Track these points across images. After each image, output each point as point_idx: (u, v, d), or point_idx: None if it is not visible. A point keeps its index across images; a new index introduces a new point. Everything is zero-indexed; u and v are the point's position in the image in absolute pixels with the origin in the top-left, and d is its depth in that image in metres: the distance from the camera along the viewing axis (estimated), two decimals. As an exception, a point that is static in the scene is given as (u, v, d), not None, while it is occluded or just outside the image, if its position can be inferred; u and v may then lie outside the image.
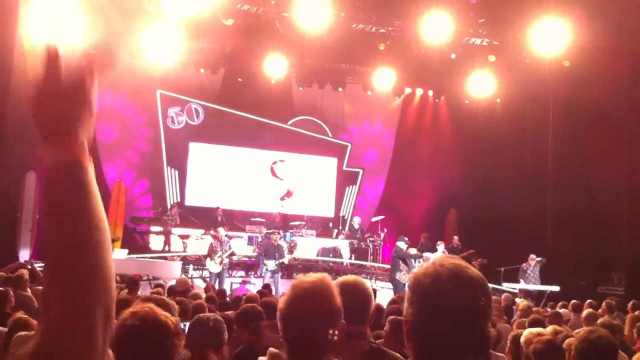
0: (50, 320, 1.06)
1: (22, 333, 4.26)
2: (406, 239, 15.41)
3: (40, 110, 1.15)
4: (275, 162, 20.49)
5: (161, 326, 2.31)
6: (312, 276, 2.25)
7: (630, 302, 10.27)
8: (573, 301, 9.91)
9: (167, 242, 16.93)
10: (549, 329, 5.29)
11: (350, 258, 17.86)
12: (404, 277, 14.12)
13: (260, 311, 5.07)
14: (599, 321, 6.23)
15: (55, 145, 1.12)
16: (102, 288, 1.08)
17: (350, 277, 3.14)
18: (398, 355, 3.02)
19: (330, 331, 2.14)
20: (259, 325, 4.85)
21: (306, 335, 2.11)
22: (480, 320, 1.59)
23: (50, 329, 1.05)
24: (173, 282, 12.19)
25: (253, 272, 16.23)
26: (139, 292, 9.03)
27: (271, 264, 14.79)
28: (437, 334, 1.57)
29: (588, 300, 10.27)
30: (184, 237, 16.98)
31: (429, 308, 1.59)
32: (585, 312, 8.12)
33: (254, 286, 14.39)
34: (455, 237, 17.99)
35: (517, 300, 11.18)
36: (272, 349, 2.25)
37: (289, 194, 20.01)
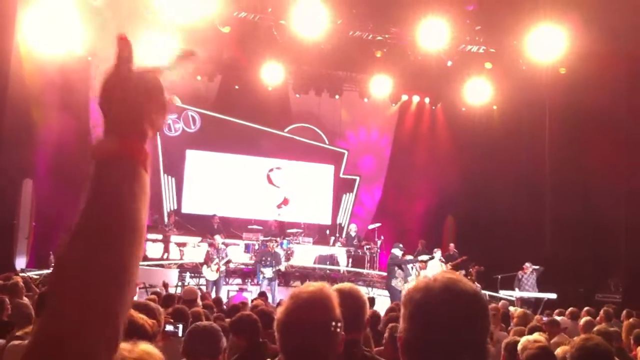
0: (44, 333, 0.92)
1: (16, 342, 4.22)
2: (401, 245, 15.41)
3: (108, 99, 1.12)
4: (271, 170, 20.47)
5: (137, 328, 2.31)
6: (312, 285, 2.19)
7: (624, 311, 10.26)
8: (570, 309, 9.90)
9: (165, 249, 16.88)
10: (536, 334, 5.27)
11: (347, 265, 17.83)
12: (399, 284, 14.12)
13: (256, 319, 5.05)
14: (595, 329, 6.22)
15: (117, 138, 1.05)
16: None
17: (345, 285, 3.13)
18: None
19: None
20: (256, 333, 4.83)
21: (306, 346, 2.05)
22: (474, 334, 1.56)
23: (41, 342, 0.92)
24: (170, 290, 12.18)
25: (250, 280, 16.20)
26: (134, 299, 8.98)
27: (268, 272, 14.77)
28: (430, 349, 1.54)
29: (586, 308, 10.24)
30: (180, 244, 16.94)
31: (421, 323, 1.57)
32: (583, 320, 8.10)
33: (251, 294, 14.35)
34: (452, 245, 17.97)
35: (511, 308, 11.15)
36: None
37: (285, 201, 20.00)
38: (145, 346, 1.63)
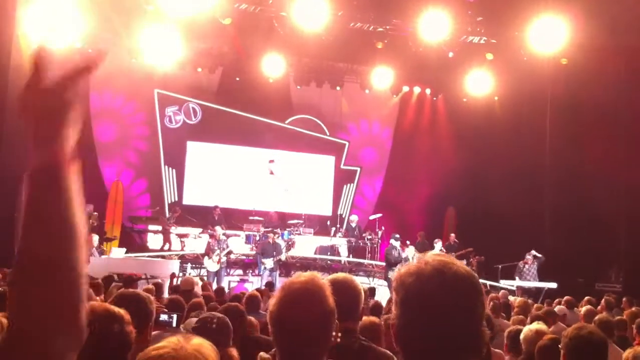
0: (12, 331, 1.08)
1: None
2: (397, 236, 15.48)
3: (26, 112, 1.17)
4: (272, 161, 20.45)
5: (107, 314, 2.37)
6: (303, 276, 2.17)
7: (624, 298, 10.29)
8: (566, 297, 9.91)
9: (166, 240, 16.91)
10: (535, 324, 5.30)
11: (348, 256, 17.85)
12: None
13: (243, 310, 5.09)
14: (596, 318, 6.23)
15: (40, 148, 1.13)
16: (69, 305, 1.09)
17: (339, 275, 3.14)
18: (388, 352, 3.02)
19: (333, 333, 2.09)
20: (243, 324, 4.86)
21: (299, 337, 2.04)
22: (469, 318, 1.51)
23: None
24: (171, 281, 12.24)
25: (251, 271, 16.23)
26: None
27: (269, 263, 14.81)
28: (423, 335, 1.50)
29: (586, 298, 10.26)
30: (181, 235, 16.98)
31: (413, 308, 1.52)
32: (583, 309, 8.12)
33: (252, 284, 14.41)
34: (452, 235, 18.00)
35: (511, 298, 11.18)
36: (263, 354, 2.17)
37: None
38: (198, 341, 1.62)
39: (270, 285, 11.88)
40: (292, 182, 20.08)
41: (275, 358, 2.09)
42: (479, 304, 1.53)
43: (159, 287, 8.91)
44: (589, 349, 3.36)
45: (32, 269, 1.10)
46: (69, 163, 1.16)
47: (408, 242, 16.41)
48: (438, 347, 1.49)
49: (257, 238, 16.75)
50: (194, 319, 4.55)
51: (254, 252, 16.48)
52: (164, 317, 5.16)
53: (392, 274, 13.13)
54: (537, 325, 4.86)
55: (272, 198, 19.59)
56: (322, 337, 2.07)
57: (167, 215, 17.72)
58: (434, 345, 1.49)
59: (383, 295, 12.44)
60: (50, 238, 1.10)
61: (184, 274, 14.76)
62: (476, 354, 1.53)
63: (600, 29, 14.03)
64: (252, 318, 5.52)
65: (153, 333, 3.51)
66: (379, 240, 18.10)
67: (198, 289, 9.27)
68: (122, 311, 2.45)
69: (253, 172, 20.35)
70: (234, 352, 3.59)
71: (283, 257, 15.50)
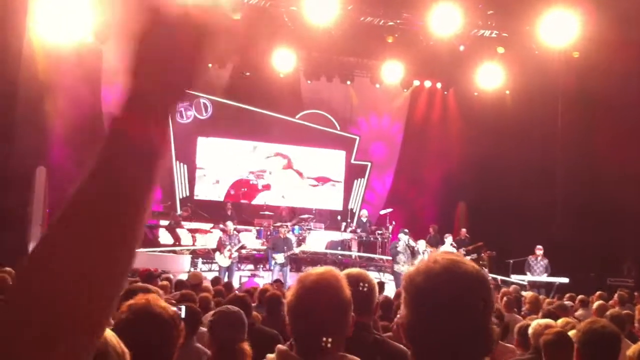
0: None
1: None
2: (406, 230, 15.45)
3: (136, 67, 0.92)
4: (278, 155, 20.50)
5: (155, 318, 2.25)
6: (319, 269, 2.19)
7: (636, 293, 10.25)
8: (580, 296, 9.85)
9: (175, 238, 16.96)
10: (560, 321, 5.28)
11: (359, 251, 17.86)
12: (402, 268, 14.13)
13: (249, 303, 5.12)
14: (608, 313, 6.20)
15: (136, 114, 0.88)
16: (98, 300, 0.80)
17: (354, 270, 3.17)
18: (402, 347, 3.02)
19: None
20: (249, 316, 4.89)
21: (317, 328, 2.05)
22: (478, 316, 1.52)
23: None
24: (182, 276, 12.27)
25: (262, 266, 16.26)
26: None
27: (280, 258, 14.82)
28: (433, 333, 1.51)
29: (598, 292, 10.21)
30: (193, 231, 17.03)
31: (423, 307, 1.53)
32: (596, 304, 8.08)
33: (263, 279, 14.43)
34: (463, 230, 17.96)
35: (524, 293, 11.14)
36: (280, 346, 2.16)
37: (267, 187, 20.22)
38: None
39: (278, 282, 11.88)
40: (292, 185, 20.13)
41: (292, 349, 2.10)
42: (488, 302, 1.55)
43: (171, 283, 8.95)
44: (603, 343, 3.35)
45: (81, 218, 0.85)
46: (163, 141, 0.89)
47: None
48: (448, 344, 1.50)
49: (268, 233, 16.79)
50: (209, 313, 4.58)
51: (264, 247, 16.51)
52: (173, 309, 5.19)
53: (399, 267, 13.18)
54: (546, 320, 4.85)
55: (283, 193, 19.67)
56: (339, 326, 2.08)
57: (179, 212, 17.73)
58: (444, 343, 1.50)
59: (393, 290, 12.43)
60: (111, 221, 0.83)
61: (195, 269, 14.84)
62: (485, 351, 1.54)
63: (611, 22, 13.94)
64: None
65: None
66: (390, 235, 18.10)
67: (208, 284, 9.29)
68: (167, 310, 2.36)
69: (263, 167, 20.42)
70: (246, 346, 3.60)
71: (296, 250, 15.53)
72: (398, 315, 5.11)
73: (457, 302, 1.50)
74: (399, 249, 14.82)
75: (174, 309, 5.15)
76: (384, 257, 17.72)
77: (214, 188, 19.92)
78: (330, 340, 2.02)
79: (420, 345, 1.56)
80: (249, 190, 20.23)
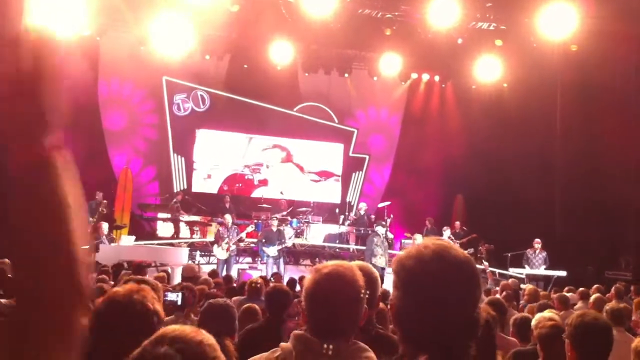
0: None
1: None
2: (384, 222, 15.44)
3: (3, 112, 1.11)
4: (276, 147, 20.51)
5: (133, 306, 2.33)
6: (333, 262, 2.31)
7: (633, 287, 10.25)
8: (581, 289, 9.87)
9: (176, 228, 16.94)
10: (547, 312, 5.28)
11: (357, 244, 17.85)
12: (379, 261, 14.09)
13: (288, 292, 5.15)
14: (606, 306, 6.20)
15: (23, 146, 1.10)
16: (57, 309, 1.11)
17: (356, 263, 3.15)
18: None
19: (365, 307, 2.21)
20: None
21: (332, 313, 2.14)
22: (466, 301, 1.57)
23: None
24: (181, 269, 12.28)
25: (259, 259, 16.25)
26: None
27: (272, 250, 14.77)
28: (422, 317, 1.55)
29: (595, 285, 10.23)
30: (191, 223, 17.01)
31: (413, 290, 1.58)
32: (593, 297, 8.09)
33: (261, 272, 14.41)
34: (457, 223, 17.94)
35: (523, 285, 11.16)
36: (296, 331, 2.23)
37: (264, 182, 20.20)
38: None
39: (277, 276, 11.86)
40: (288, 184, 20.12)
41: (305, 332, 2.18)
42: (476, 288, 1.60)
43: (169, 275, 8.94)
44: (595, 335, 3.33)
45: (26, 248, 1.11)
46: (56, 157, 1.15)
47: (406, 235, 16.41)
48: (435, 327, 1.54)
49: (261, 226, 16.69)
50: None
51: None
52: (171, 296, 5.23)
53: (376, 260, 13.13)
54: (550, 313, 4.84)
55: (281, 186, 19.66)
56: (353, 314, 2.18)
57: (174, 201, 17.68)
58: (432, 326, 1.54)
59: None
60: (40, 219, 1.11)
61: (193, 262, 14.82)
62: (471, 335, 1.58)
63: (610, 15, 13.92)
64: (255, 305, 5.55)
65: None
66: (388, 228, 18.06)
67: (205, 276, 9.27)
68: (148, 298, 2.42)
69: (262, 160, 20.40)
70: (228, 342, 3.59)
71: (289, 243, 15.49)
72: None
73: (446, 286, 1.55)
74: (376, 242, 14.70)
75: (174, 294, 5.17)
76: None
77: (205, 183, 19.86)
78: (331, 347, 2.11)
79: (408, 328, 1.60)
80: (245, 186, 20.20)
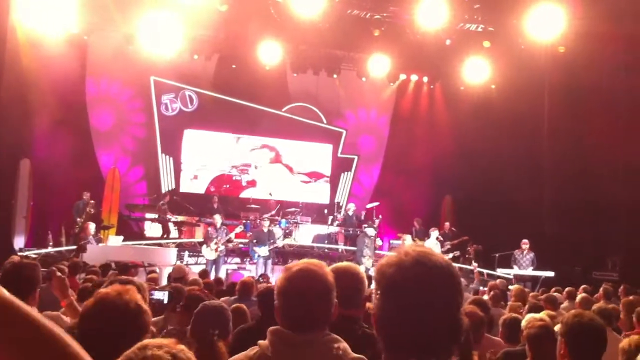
0: None
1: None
2: (374, 225, 15.52)
3: None
4: (265, 147, 20.50)
5: (120, 307, 2.35)
6: (303, 260, 2.44)
7: (621, 287, 10.30)
8: (568, 288, 9.91)
9: (165, 229, 16.88)
10: (543, 313, 5.30)
11: (345, 244, 17.85)
12: (367, 262, 14.13)
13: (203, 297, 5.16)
14: (594, 307, 6.23)
15: None
16: None
17: (343, 263, 3.20)
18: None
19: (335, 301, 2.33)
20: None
21: (302, 308, 2.26)
22: (447, 307, 1.56)
23: None
24: (169, 269, 12.23)
25: (248, 259, 16.22)
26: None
27: (263, 251, 14.76)
28: (403, 323, 1.54)
29: (583, 286, 10.27)
30: (179, 224, 16.95)
31: (393, 298, 1.57)
32: (579, 297, 8.12)
33: (249, 272, 14.39)
34: (447, 224, 18.01)
35: (511, 286, 11.19)
36: (272, 327, 2.31)
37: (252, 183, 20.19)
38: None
39: (265, 277, 11.85)
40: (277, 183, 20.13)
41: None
42: (457, 294, 1.59)
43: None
44: (590, 336, 3.34)
45: None
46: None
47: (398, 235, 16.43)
48: (417, 335, 1.54)
49: (250, 227, 16.67)
50: None
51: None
52: (157, 294, 5.20)
53: (364, 260, 13.20)
54: (542, 315, 4.86)
55: (270, 187, 19.64)
56: (324, 308, 2.30)
57: (162, 202, 17.62)
58: (414, 334, 1.54)
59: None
60: None
61: (181, 262, 14.77)
62: (454, 341, 1.57)
63: (597, 16, 14.01)
64: (243, 305, 5.54)
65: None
66: (377, 229, 18.08)
67: (196, 277, 9.22)
68: (133, 298, 2.43)
69: (250, 160, 20.38)
70: (221, 345, 3.60)
71: (280, 243, 15.49)
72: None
73: (428, 293, 1.54)
74: (366, 242, 14.76)
75: (161, 293, 5.15)
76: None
77: (192, 184, 19.80)
78: (304, 338, 2.23)
79: (390, 335, 1.59)
80: (232, 187, 20.13)
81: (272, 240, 15.01)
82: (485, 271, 15.19)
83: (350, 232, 17.99)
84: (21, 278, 3.79)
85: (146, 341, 1.50)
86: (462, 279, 1.91)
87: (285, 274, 2.33)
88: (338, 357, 2.24)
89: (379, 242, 15.54)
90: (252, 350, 2.30)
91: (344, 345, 2.28)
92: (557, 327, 4.38)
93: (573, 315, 3.47)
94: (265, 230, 15.14)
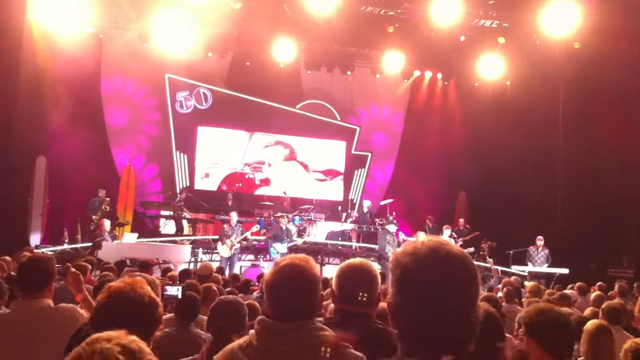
0: None
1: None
2: (395, 221, 15.52)
3: None
4: (279, 144, 20.49)
5: (133, 300, 2.39)
6: (290, 255, 2.58)
7: (636, 284, 10.24)
8: (579, 283, 9.87)
9: (179, 226, 16.94)
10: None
11: (359, 241, 17.85)
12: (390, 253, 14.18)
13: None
14: (603, 305, 6.16)
15: None
16: None
17: (356, 260, 3.18)
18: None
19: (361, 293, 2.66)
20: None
21: (291, 299, 2.38)
22: (462, 297, 1.56)
23: None
24: (184, 266, 12.30)
25: (262, 256, 16.27)
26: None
27: (282, 247, 14.85)
28: (418, 313, 1.54)
29: (598, 283, 10.23)
30: (193, 221, 17.01)
31: (408, 287, 1.57)
32: (594, 294, 8.09)
33: (264, 269, 14.45)
34: (461, 220, 17.96)
35: (526, 283, 11.16)
36: (260, 317, 2.43)
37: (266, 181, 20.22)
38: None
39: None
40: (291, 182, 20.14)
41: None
42: (473, 284, 1.59)
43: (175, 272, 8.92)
44: (551, 328, 3.21)
45: None
46: None
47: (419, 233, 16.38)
48: (432, 324, 1.53)
49: (268, 224, 16.75)
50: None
51: (265, 238, 16.49)
52: (171, 290, 5.26)
53: (390, 256, 13.16)
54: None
55: (284, 184, 19.66)
56: (308, 297, 2.43)
57: (177, 198, 17.69)
58: (428, 323, 1.53)
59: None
60: None
61: (196, 259, 14.85)
62: (469, 332, 1.57)
63: (612, 11, 13.90)
64: (254, 302, 5.60)
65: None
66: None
67: (217, 276, 9.25)
68: (147, 293, 2.47)
69: (264, 157, 20.41)
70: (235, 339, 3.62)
71: (299, 241, 15.59)
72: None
73: (442, 283, 1.54)
74: (388, 239, 14.79)
75: (174, 288, 5.19)
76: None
77: (203, 182, 19.85)
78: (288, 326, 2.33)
79: (405, 325, 1.59)
80: (245, 186, 20.17)
81: (289, 237, 15.10)
82: (499, 268, 15.14)
83: (364, 229, 17.97)
84: (37, 270, 3.84)
85: (95, 335, 1.53)
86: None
87: (273, 269, 2.47)
88: (317, 344, 2.31)
89: (402, 236, 15.50)
90: (242, 339, 2.42)
91: (327, 333, 2.35)
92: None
93: (534, 309, 3.32)
94: (284, 227, 15.23)
